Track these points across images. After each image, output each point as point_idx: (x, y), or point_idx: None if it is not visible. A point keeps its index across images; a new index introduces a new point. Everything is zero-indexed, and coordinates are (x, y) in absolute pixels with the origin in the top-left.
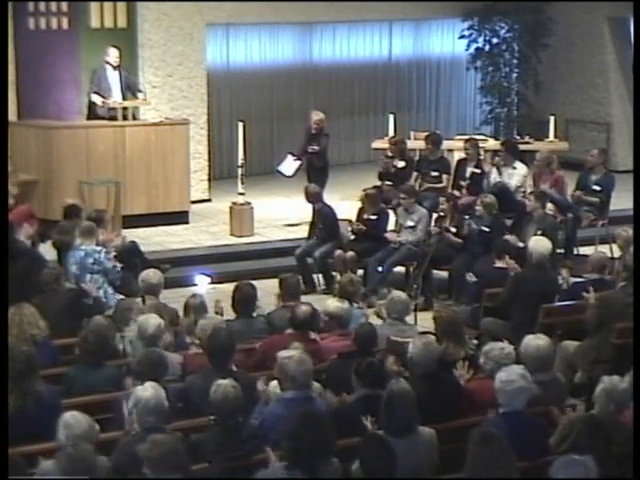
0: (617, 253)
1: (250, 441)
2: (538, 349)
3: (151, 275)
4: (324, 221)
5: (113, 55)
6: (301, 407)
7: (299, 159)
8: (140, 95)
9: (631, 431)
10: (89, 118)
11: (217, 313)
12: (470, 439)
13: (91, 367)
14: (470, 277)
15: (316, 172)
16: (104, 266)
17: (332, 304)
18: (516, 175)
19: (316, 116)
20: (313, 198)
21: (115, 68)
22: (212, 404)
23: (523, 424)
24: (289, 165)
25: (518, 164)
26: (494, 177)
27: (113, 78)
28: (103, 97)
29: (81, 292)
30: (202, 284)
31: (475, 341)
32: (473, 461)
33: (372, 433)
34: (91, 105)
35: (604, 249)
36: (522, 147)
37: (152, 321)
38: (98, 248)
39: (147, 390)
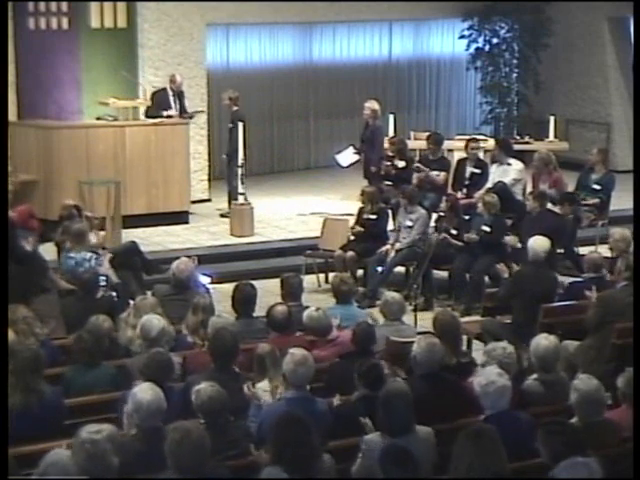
0: (616, 253)
1: (243, 441)
2: (547, 349)
3: (182, 268)
4: None
5: (179, 82)
6: (301, 407)
7: (358, 153)
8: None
9: (627, 428)
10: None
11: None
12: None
13: (88, 367)
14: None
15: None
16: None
17: (305, 313)
18: (512, 171)
19: (367, 103)
20: None
21: (175, 93)
22: (198, 408)
23: (511, 423)
24: (347, 156)
25: (512, 160)
26: (492, 177)
27: (173, 101)
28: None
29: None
30: None
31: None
32: (460, 457)
33: (394, 443)
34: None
35: (604, 249)
36: (522, 147)
37: (155, 322)
38: (88, 255)
39: (147, 392)
